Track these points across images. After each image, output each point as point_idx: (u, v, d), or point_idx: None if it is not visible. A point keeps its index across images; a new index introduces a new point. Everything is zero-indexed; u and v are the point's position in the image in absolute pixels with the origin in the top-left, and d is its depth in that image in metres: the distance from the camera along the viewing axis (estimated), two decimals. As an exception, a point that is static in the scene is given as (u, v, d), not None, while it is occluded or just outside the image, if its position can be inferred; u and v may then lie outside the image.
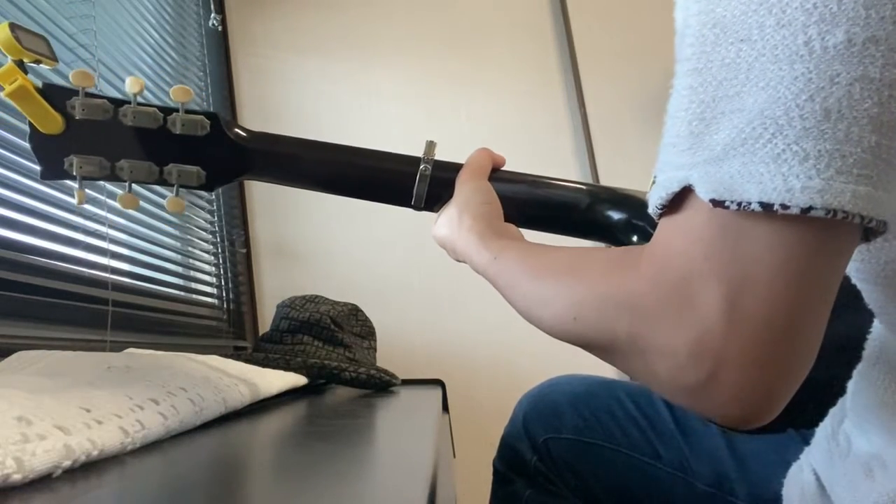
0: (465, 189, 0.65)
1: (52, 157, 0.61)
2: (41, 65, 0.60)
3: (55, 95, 0.60)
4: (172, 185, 0.64)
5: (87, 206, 1.02)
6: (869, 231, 0.33)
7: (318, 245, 1.83)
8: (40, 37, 0.59)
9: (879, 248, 0.37)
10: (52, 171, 0.62)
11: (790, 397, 0.34)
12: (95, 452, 0.36)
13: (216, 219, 1.68)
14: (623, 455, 0.78)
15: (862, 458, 0.45)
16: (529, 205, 0.63)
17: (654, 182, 0.37)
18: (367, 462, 0.41)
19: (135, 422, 0.41)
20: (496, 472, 0.89)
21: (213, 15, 1.76)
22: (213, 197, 1.69)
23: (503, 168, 0.71)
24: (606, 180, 1.83)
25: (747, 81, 0.32)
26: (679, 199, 0.35)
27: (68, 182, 0.64)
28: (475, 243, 0.59)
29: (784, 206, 0.31)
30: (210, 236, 1.64)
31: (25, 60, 0.57)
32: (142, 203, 1.24)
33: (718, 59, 0.33)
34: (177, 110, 0.62)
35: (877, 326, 0.46)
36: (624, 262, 0.39)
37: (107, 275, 1.01)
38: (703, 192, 0.33)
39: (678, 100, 0.35)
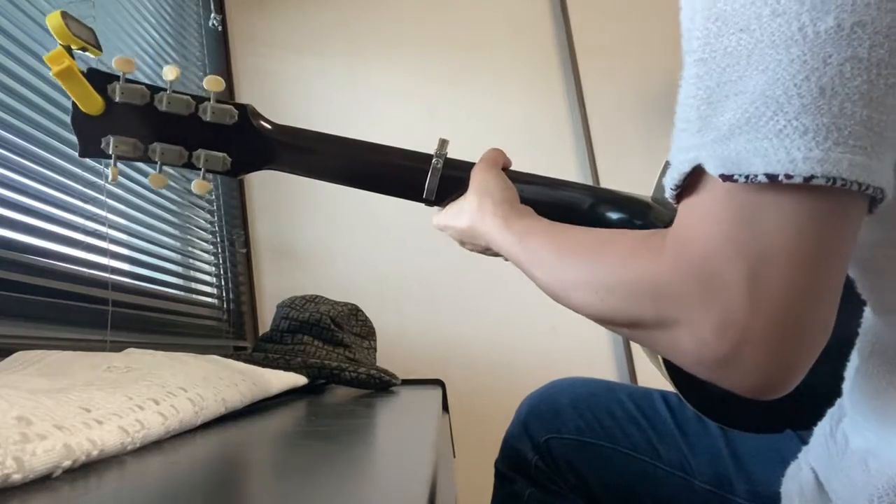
0: (485, 177, 0.67)
1: (90, 135, 0.65)
2: (87, 52, 0.64)
3: (97, 79, 0.64)
4: (199, 169, 0.67)
5: (88, 206, 1.02)
6: (873, 202, 0.35)
7: (318, 245, 1.83)
8: (88, 27, 0.64)
9: (868, 229, 0.39)
10: (90, 149, 0.66)
11: (809, 366, 0.36)
12: (95, 452, 0.36)
13: (216, 219, 1.68)
14: (623, 455, 0.78)
15: (859, 454, 0.45)
16: (533, 204, 0.65)
17: (664, 167, 0.39)
18: (367, 462, 0.41)
19: (135, 422, 0.41)
20: (498, 473, 0.89)
21: (213, 15, 1.76)
22: (214, 197, 1.69)
23: (509, 168, 0.72)
24: (606, 180, 1.83)
25: (748, 66, 0.34)
26: (693, 182, 0.38)
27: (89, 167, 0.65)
28: (499, 225, 0.61)
29: (788, 176, 0.33)
30: (210, 236, 1.64)
31: (73, 47, 0.62)
32: (142, 203, 1.24)
33: (721, 48, 0.35)
34: (208, 99, 0.66)
35: (869, 319, 0.47)
36: (648, 244, 0.41)
37: (107, 275, 1.01)
38: (713, 168, 0.35)
39: (687, 88, 0.38)
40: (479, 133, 1.78)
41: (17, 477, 0.30)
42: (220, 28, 1.81)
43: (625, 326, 0.43)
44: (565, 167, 1.87)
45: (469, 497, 1.22)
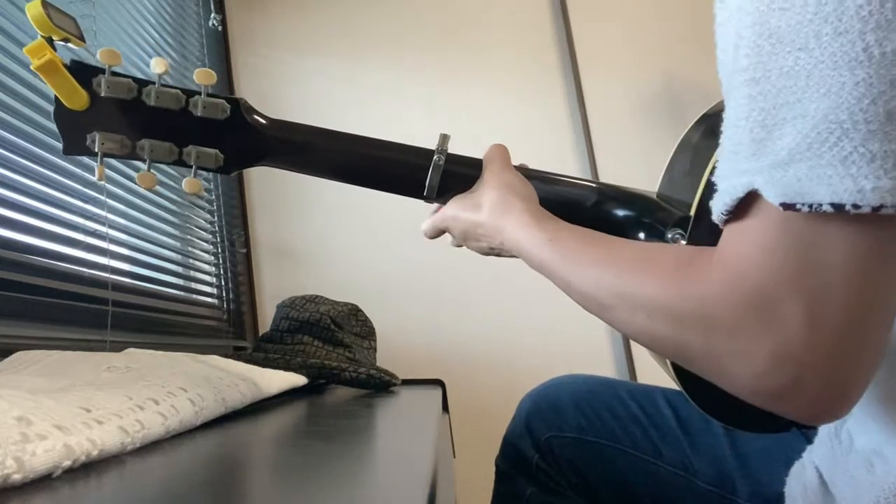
0: (506, 175, 0.65)
1: (75, 132, 0.62)
2: (69, 44, 0.61)
3: (82, 72, 0.61)
4: (191, 167, 0.64)
5: (88, 206, 1.02)
6: None
7: (318, 245, 1.83)
8: (70, 17, 0.60)
9: None
10: (75, 147, 0.63)
11: (867, 388, 0.36)
12: (95, 452, 0.36)
13: (216, 219, 1.68)
14: (625, 454, 0.78)
15: (863, 454, 0.45)
16: (540, 201, 0.63)
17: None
18: (367, 462, 0.41)
19: (135, 422, 0.41)
20: (498, 471, 0.89)
21: (213, 15, 1.76)
22: (214, 197, 1.69)
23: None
24: (606, 180, 1.83)
25: (808, 88, 0.33)
26: (744, 206, 0.36)
27: (80, 163, 0.64)
28: (528, 223, 0.58)
29: (856, 206, 0.32)
30: (210, 236, 1.64)
31: (55, 38, 0.58)
32: (142, 203, 1.24)
33: (777, 68, 0.34)
34: (199, 93, 0.63)
35: None
36: (693, 266, 0.39)
37: (107, 275, 1.01)
38: (773, 196, 0.34)
39: (737, 109, 0.36)
40: (479, 133, 1.78)
41: (17, 477, 0.30)
42: (220, 28, 1.81)
43: (670, 350, 0.41)
44: (565, 167, 1.87)
45: (469, 497, 1.22)
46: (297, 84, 1.90)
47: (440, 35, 1.94)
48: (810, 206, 0.33)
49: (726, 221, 0.38)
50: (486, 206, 0.63)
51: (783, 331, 0.34)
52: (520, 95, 1.91)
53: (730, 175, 0.37)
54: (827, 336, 0.34)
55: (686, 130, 0.65)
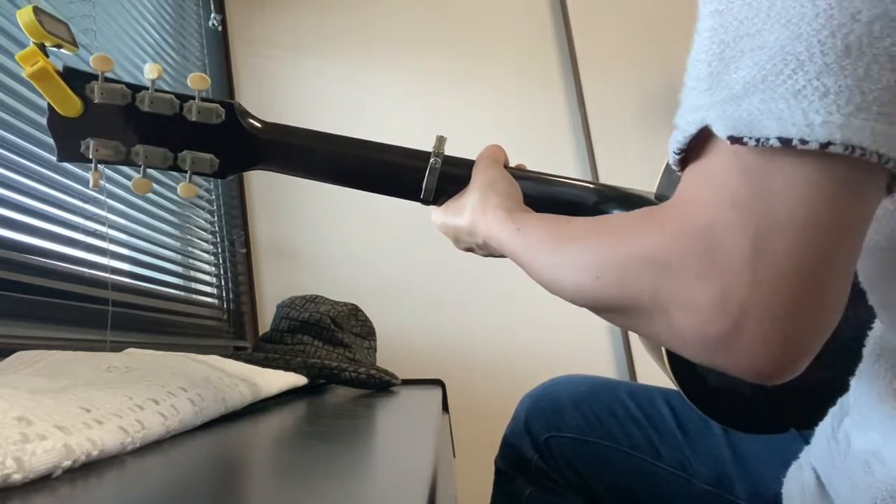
0: (489, 173, 0.65)
1: (68, 139, 0.62)
2: (62, 49, 0.60)
3: (74, 79, 0.61)
4: (186, 172, 0.64)
5: (88, 206, 1.02)
6: (893, 180, 0.33)
7: (318, 245, 1.83)
8: (62, 22, 0.60)
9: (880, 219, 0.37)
10: (68, 154, 0.62)
11: (817, 350, 0.34)
12: (95, 452, 0.36)
13: (216, 219, 1.68)
14: (624, 454, 0.78)
15: (861, 455, 0.45)
16: (536, 201, 0.63)
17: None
18: (367, 462, 0.41)
19: (135, 422, 0.41)
20: (498, 471, 0.89)
21: (213, 15, 1.76)
22: (214, 197, 1.69)
23: (508, 165, 0.70)
24: (606, 180, 1.83)
25: (768, 19, 0.31)
26: (699, 145, 0.35)
27: (80, 166, 0.64)
28: (502, 218, 0.57)
29: (803, 142, 0.30)
30: (210, 236, 1.64)
31: (47, 44, 0.58)
32: (142, 203, 1.24)
33: None
34: (193, 98, 0.63)
35: (877, 323, 0.46)
36: (648, 218, 0.38)
37: (107, 275, 1.01)
38: (721, 130, 0.33)
39: (699, 42, 0.35)
40: (479, 133, 1.78)
41: (17, 477, 0.30)
42: (220, 28, 1.81)
43: (621, 310, 0.39)
44: (565, 167, 1.87)
45: (469, 497, 1.22)
46: (297, 84, 1.90)
47: (440, 35, 1.94)
48: (758, 140, 0.31)
49: (681, 161, 0.36)
50: (468, 209, 0.63)
51: (727, 272, 0.32)
52: (520, 95, 1.91)
53: (686, 112, 0.35)
54: (772, 276, 0.32)
55: None
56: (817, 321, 0.33)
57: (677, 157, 0.36)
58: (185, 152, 0.63)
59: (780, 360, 0.33)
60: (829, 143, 0.30)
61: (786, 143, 0.31)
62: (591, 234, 0.43)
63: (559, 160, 1.88)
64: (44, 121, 0.61)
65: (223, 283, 1.66)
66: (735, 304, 0.32)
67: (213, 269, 1.64)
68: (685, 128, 0.35)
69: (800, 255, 0.32)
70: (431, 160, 0.67)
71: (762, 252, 0.32)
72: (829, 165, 0.31)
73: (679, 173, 0.37)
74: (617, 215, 0.45)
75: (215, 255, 1.65)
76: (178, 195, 1.41)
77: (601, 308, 0.42)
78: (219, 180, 1.69)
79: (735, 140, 0.32)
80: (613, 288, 0.39)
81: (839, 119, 0.30)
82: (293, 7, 1.93)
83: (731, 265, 0.32)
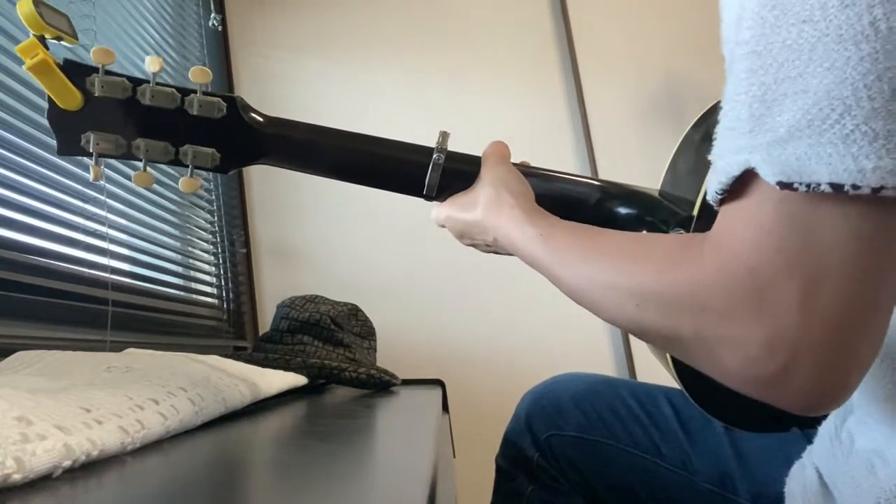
0: (498, 170, 0.64)
1: (69, 132, 0.61)
2: (62, 42, 0.60)
3: (75, 72, 0.60)
4: (187, 166, 0.63)
5: (88, 206, 1.02)
6: None
7: (318, 245, 1.83)
8: (62, 14, 0.59)
9: None
10: (69, 147, 0.62)
11: (862, 378, 0.35)
12: (95, 452, 0.36)
13: (216, 219, 1.68)
14: (625, 452, 0.78)
15: (864, 455, 0.45)
16: (542, 198, 0.63)
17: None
18: (367, 462, 0.41)
19: (135, 422, 0.41)
20: (499, 469, 0.89)
21: (213, 15, 1.76)
22: (214, 196, 1.69)
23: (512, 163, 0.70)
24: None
25: (810, 62, 0.31)
26: (741, 186, 0.35)
27: (82, 161, 0.63)
28: (518, 218, 0.57)
29: (855, 187, 0.30)
30: (210, 236, 1.64)
31: (47, 36, 0.57)
32: (142, 203, 1.24)
33: (779, 40, 0.32)
34: (195, 91, 0.62)
35: None
36: (686, 250, 0.38)
37: (107, 275, 1.01)
38: (770, 175, 0.33)
39: (737, 83, 0.34)
40: (479, 133, 1.78)
41: (17, 477, 0.30)
42: (220, 28, 1.81)
43: (661, 339, 0.40)
44: (565, 167, 1.86)
45: (469, 497, 1.22)
46: (297, 84, 1.90)
47: (440, 35, 1.94)
48: (808, 185, 0.31)
49: (721, 202, 0.36)
50: (480, 205, 0.62)
51: (777, 315, 0.33)
52: (520, 95, 1.91)
53: (726, 153, 0.35)
54: (822, 322, 0.32)
55: (689, 128, 0.64)
56: (863, 357, 0.34)
57: (719, 196, 0.36)
58: (186, 146, 0.63)
59: (829, 396, 0.34)
60: (881, 188, 0.30)
61: (837, 188, 0.31)
62: (626, 257, 0.43)
63: (559, 160, 1.87)
64: (43, 120, 0.61)
65: (223, 283, 1.66)
66: (785, 346, 0.33)
67: (213, 268, 1.63)
68: (727, 169, 0.35)
69: (848, 299, 0.32)
70: (435, 156, 0.67)
71: (811, 296, 0.32)
72: (880, 209, 0.31)
73: (717, 209, 0.37)
74: (648, 236, 0.45)
75: (215, 254, 1.65)
76: (178, 193, 1.42)
77: (638, 333, 0.43)
78: (219, 179, 1.70)
79: (784, 185, 0.32)
80: (655, 319, 0.39)
81: (890, 164, 0.30)
82: (293, 7, 1.93)
83: (780, 309, 0.33)
